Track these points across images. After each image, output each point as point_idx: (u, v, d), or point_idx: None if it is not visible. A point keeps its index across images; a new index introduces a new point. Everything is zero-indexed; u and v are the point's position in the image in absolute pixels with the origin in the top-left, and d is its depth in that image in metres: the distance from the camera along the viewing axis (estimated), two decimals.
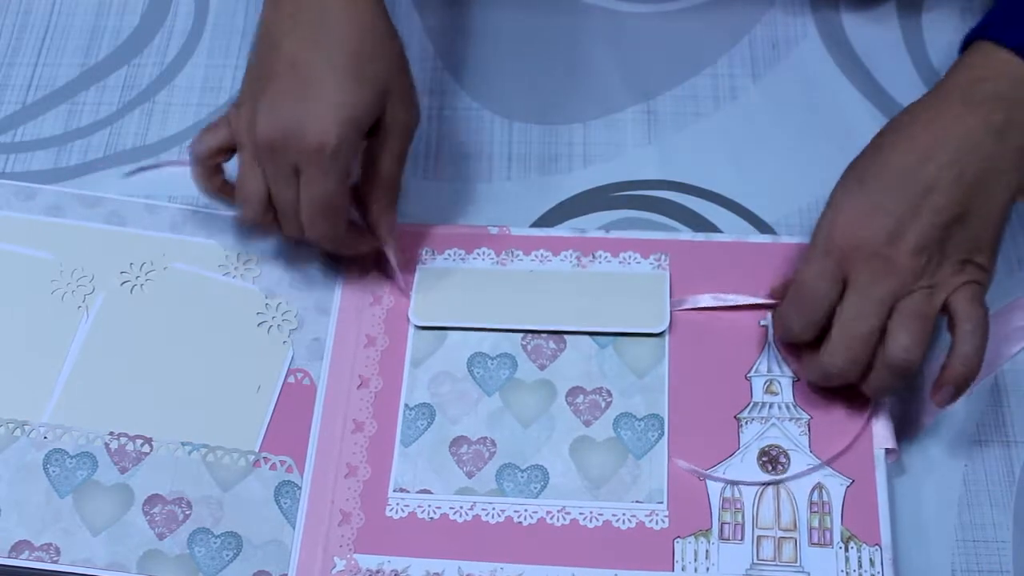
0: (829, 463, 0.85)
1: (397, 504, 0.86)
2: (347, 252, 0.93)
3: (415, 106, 0.89)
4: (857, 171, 0.85)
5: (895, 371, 0.82)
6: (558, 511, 0.85)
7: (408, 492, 0.87)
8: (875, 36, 1.06)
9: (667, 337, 0.91)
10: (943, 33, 1.05)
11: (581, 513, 0.85)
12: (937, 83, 0.86)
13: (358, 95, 0.85)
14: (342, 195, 0.86)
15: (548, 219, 0.98)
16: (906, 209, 0.82)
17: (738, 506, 0.84)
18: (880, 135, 0.86)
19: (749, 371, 0.89)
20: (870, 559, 0.82)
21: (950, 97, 0.84)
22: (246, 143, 0.88)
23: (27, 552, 0.85)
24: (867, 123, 1.01)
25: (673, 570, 0.83)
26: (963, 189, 0.82)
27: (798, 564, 0.82)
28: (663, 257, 0.93)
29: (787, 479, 0.85)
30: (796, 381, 0.88)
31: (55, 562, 0.85)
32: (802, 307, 0.85)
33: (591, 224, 0.98)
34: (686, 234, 0.96)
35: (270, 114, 0.85)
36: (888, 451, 0.85)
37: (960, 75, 0.85)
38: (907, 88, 1.03)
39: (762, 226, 0.97)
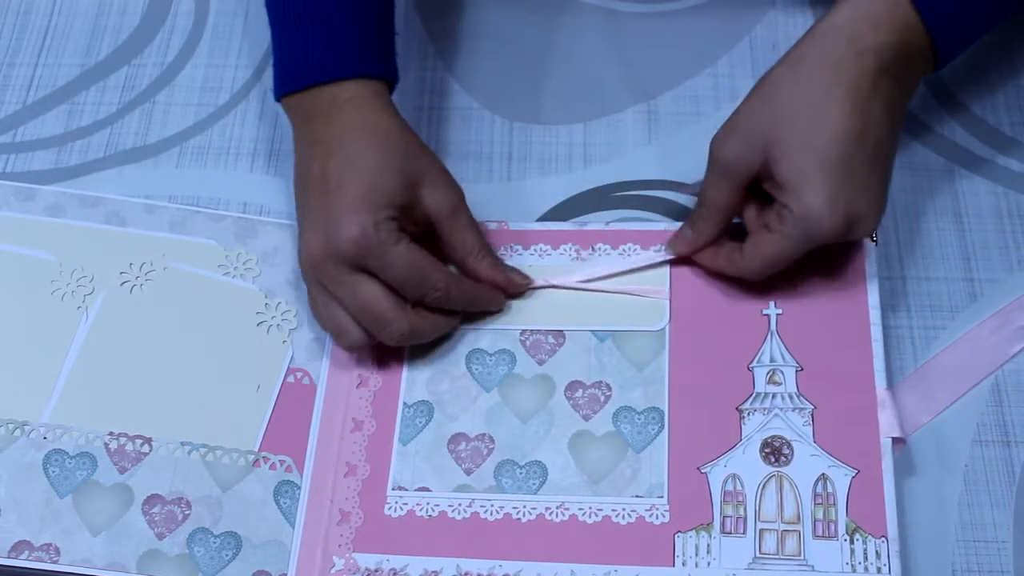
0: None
1: (396, 502, 0.86)
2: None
3: (454, 186, 0.90)
4: (803, 148, 0.84)
5: None
6: (557, 507, 0.85)
7: (407, 490, 0.87)
8: None
9: (667, 329, 0.91)
10: None
11: (580, 508, 0.85)
12: (828, 16, 0.86)
13: (382, 182, 0.86)
14: (383, 298, 0.86)
15: (548, 219, 0.98)
16: (869, 176, 0.85)
17: (740, 499, 0.84)
18: (791, 90, 0.86)
19: (751, 361, 0.89)
20: (876, 551, 0.82)
21: (848, 48, 0.84)
22: (309, 281, 0.89)
23: (27, 552, 0.85)
24: None
25: (674, 565, 0.82)
26: (890, 138, 0.86)
27: (802, 557, 0.82)
28: (663, 249, 0.93)
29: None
30: (799, 370, 0.88)
31: (55, 562, 0.85)
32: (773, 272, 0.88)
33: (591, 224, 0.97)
34: None
35: (311, 234, 0.86)
36: (895, 441, 0.85)
37: (850, 11, 0.86)
38: None
39: None
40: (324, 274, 0.86)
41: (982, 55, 1.04)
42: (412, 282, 0.86)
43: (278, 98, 0.92)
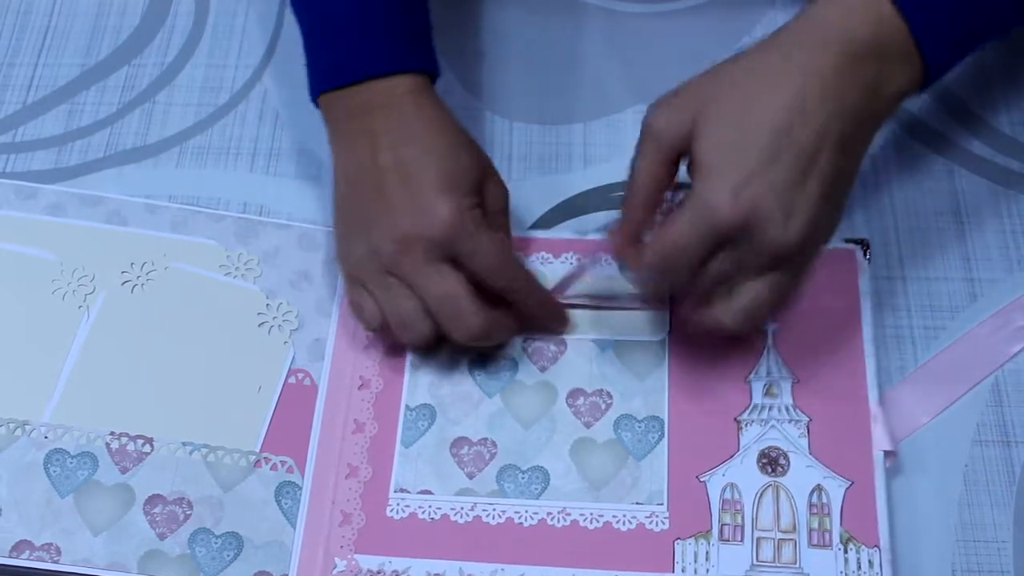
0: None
1: (398, 505, 0.86)
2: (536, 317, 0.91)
3: (504, 185, 0.91)
4: (726, 127, 0.77)
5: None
6: (559, 512, 0.85)
7: (409, 493, 0.87)
8: None
9: (667, 340, 0.91)
10: None
11: (582, 514, 0.85)
12: (800, 14, 0.81)
13: (463, 169, 0.86)
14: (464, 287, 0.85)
15: (548, 219, 0.98)
16: (795, 181, 0.77)
17: (738, 508, 0.85)
18: (740, 70, 0.80)
19: (749, 374, 0.89)
20: (869, 560, 0.82)
21: (812, 35, 0.79)
22: (370, 273, 0.87)
23: (28, 552, 0.85)
24: None
25: (673, 571, 0.83)
26: (844, 153, 0.78)
27: (797, 565, 0.82)
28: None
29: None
30: (796, 383, 0.88)
31: (56, 562, 0.85)
32: (674, 271, 0.80)
33: (591, 224, 0.98)
34: None
35: (393, 222, 0.85)
36: (886, 453, 0.86)
37: (825, 8, 0.80)
38: None
39: None
40: (406, 261, 0.85)
41: (982, 55, 1.04)
42: (500, 269, 0.85)
43: (318, 94, 0.91)
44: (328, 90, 0.91)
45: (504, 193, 0.90)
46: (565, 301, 0.92)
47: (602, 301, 0.92)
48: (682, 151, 0.80)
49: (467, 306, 0.85)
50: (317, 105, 0.92)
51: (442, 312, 0.85)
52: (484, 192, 0.88)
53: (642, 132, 0.82)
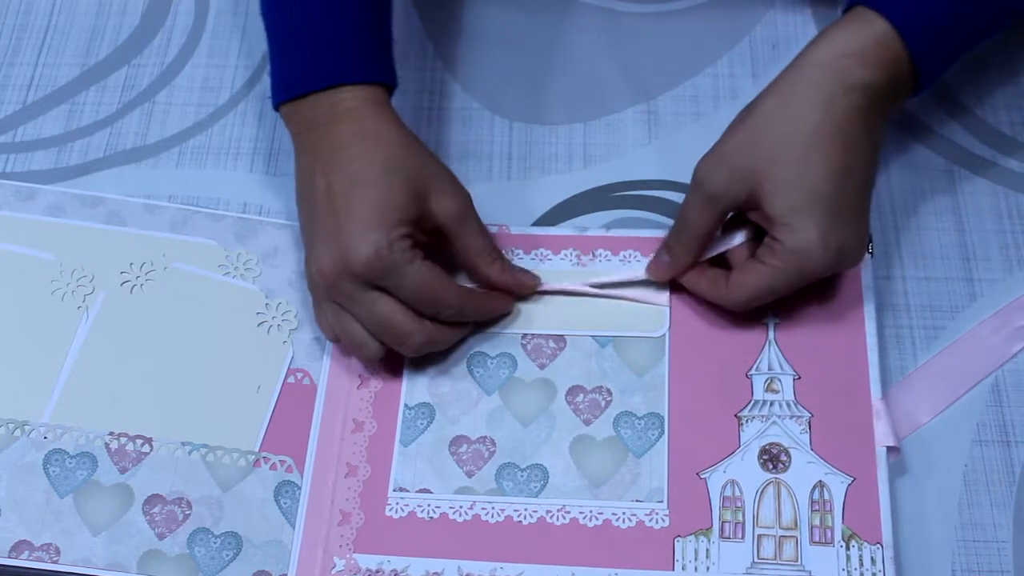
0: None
1: (397, 504, 0.86)
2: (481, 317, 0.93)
3: (461, 191, 0.89)
4: (796, 186, 0.83)
5: None
6: (558, 510, 0.85)
7: (408, 492, 0.87)
8: None
9: (667, 336, 0.91)
10: None
11: (581, 512, 0.85)
12: (816, 47, 0.86)
13: (391, 197, 0.85)
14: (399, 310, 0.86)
15: (548, 219, 0.98)
16: (859, 217, 0.85)
17: (738, 504, 0.84)
18: (783, 125, 0.85)
19: (750, 369, 0.89)
20: (871, 557, 0.82)
21: (834, 80, 0.84)
22: (321, 293, 0.88)
23: (27, 552, 0.85)
24: None
25: (673, 569, 0.83)
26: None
27: (799, 563, 0.82)
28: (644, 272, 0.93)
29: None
30: (797, 379, 0.88)
31: (55, 562, 0.85)
32: (755, 305, 0.89)
33: (591, 224, 0.98)
34: None
35: (322, 253, 0.85)
36: (889, 449, 0.85)
37: (840, 44, 0.85)
38: None
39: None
40: (338, 292, 0.86)
41: (982, 55, 1.04)
42: (425, 301, 0.86)
43: (276, 107, 0.92)
44: (284, 101, 0.91)
45: (459, 201, 0.89)
46: (565, 290, 0.93)
47: (602, 289, 0.93)
48: (736, 208, 0.87)
49: (405, 326, 0.86)
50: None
51: (383, 334, 0.87)
52: (431, 208, 0.87)
53: (696, 189, 0.87)
